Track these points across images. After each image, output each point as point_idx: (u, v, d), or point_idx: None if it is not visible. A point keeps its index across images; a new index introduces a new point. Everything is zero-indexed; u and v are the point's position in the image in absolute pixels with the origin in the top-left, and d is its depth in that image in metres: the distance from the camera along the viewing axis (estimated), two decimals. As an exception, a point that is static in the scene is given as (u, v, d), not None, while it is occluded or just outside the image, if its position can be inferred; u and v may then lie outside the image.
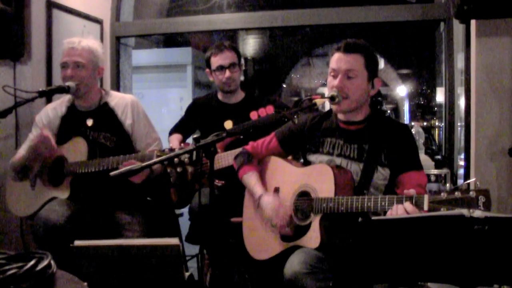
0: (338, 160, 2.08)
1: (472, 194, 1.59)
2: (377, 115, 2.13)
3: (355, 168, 2.04)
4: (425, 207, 1.67)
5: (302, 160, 2.26)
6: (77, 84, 2.49)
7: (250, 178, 2.24)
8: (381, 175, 2.01)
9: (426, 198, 1.68)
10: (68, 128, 2.60)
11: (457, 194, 1.62)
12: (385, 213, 1.80)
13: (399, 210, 1.70)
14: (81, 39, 2.56)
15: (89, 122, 2.57)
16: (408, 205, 1.70)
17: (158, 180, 2.65)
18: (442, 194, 1.65)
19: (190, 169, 2.71)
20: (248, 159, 2.29)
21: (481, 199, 1.58)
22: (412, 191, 1.74)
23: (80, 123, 2.58)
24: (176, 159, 2.09)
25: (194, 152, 2.04)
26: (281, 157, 2.29)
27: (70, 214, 2.38)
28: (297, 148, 2.28)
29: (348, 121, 2.11)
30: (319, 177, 2.01)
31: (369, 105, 2.13)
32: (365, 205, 1.82)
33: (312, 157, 2.17)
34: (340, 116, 2.13)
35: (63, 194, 2.47)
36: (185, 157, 2.10)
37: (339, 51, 2.03)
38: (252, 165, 2.28)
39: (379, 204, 1.79)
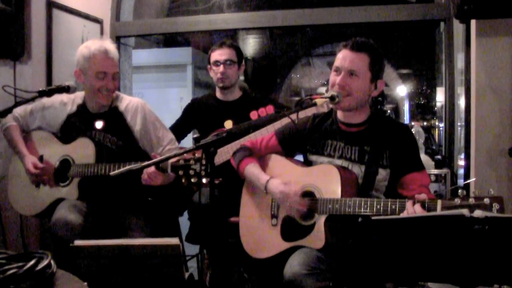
0: (339, 162, 2.07)
1: (486, 201, 1.58)
2: (377, 116, 2.11)
3: (357, 170, 2.04)
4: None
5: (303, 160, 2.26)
6: (109, 91, 2.48)
7: (253, 168, 2.20)
8: (381, 176, 2.01)
9: (439, 203, 1.66)
10: (74, 127, 2.59)
11: (471, 200, 1.61)
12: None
13: (417, 209, 1.68)
14: (111, 46, 2.49)
15: (99, 125, 2.54)
16: (417, 207, 1.69)
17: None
18: (455, 199, 1.63)
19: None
20: (249, 153, 2.27)
21: (495, 206, 1.57)
22: (423, 196, 1.73)
23: (89, 124, 2.56)
24: (191, 171, 1.98)
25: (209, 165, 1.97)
26: (281, 156, 2.28)
27: (86, 213, 2.40)
28: (297, 148, 2.27)
29: (349, 123, 2.10)
30: (324, 177, 2.00)
31: (370, 106, 2.11)
32: (374, 208, 1.81)
33: (312, 158, 2.16)
34: (340, 117, 2.12)
35: (71, 195, 2.47)
36: (201, 169, 1.97)
37: (346, 48, 2.01)
38: (253, 158, 2.26)
39: (389, 208, 1.78)
